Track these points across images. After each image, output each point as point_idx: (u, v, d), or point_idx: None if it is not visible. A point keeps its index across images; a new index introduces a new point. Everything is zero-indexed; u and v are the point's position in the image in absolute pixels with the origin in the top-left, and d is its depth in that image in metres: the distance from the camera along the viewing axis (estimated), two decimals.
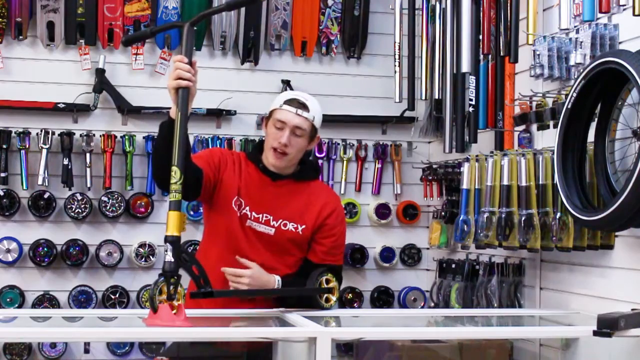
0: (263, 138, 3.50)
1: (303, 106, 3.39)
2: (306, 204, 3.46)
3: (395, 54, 4.24)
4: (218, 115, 4.58)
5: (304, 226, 3.42)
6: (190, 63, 2.96)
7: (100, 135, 4.44)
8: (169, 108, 4.58)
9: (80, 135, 4.42)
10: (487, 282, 3.79)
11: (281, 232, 3.40)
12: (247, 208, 3.42)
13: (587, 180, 3.16)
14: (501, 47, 3.65)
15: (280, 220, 3.41)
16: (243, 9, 4.55)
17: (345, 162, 4.72)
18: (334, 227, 3.47)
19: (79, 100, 4.47)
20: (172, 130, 2.92)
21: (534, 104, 3.54)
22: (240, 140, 4.59)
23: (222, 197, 3.42)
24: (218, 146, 4.55)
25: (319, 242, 3.44)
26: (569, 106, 3.11)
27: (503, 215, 3.44)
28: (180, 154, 2.84)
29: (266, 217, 3.43)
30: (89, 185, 4.41)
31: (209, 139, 4.56)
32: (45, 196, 4.37)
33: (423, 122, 4.38)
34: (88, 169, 4.41)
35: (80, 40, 4.47)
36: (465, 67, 3.75)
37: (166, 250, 2.76)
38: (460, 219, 3.72)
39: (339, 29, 4.74)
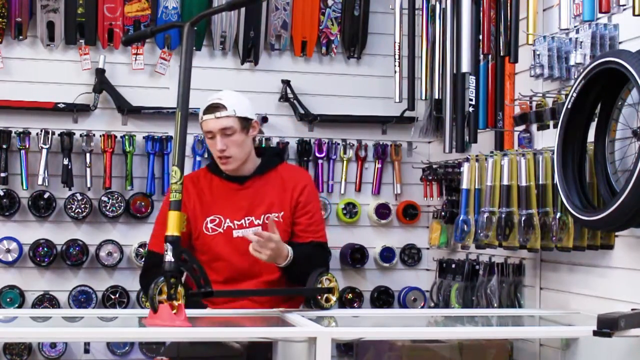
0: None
1: (218, 107, 3.45)
2: (280, 190, 3.55)
3: (395, 54, 4.24)
4: None
5: (282, 212, 3.51)
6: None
7: (100, 135, 4.44)
8: (169, 108, 4.61)
9: (80, 135, 4.42)
10: (487, 282, 3.79)
11: (267, 227, 3.44)
12: (227, 220, 3.50)
13: (587, 180, 3.16)
14: (501, 47, 3.65)
15: (263, 216, 3.49)
16: (243, 9, 4.55)
17: (345, 162, 4.71)
18: (307, 205, 3.55)
19: (79, 100, 4.46)
20: None
21: (534, 104, 3.53)
22: None
23: (195, 227, 3.50)
24: None
25: (296, 222, 3.53)
26: (569, 106, 3.11)
27: (503, 215, 3.44)
28: (180, 154, 2.84)
29: (248, 219, 3.50)
30: (89, 185, 4.40)
31: None
32: (45, 196, 4.37)
33: (423, 122, 4.37)
34: (88, 169, 4.40)
35: (80, 40, 4.47)
36: (465, 67, 3.75)
37: (166, 250, 2.77)
38: (460, 219, 3.72)
39: (339, 29, 4.74)
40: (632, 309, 2.89)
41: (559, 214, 3.28)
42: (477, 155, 3.71)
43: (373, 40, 4.77)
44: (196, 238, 3.53)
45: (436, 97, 4.10)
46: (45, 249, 4.37)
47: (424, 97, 4.21)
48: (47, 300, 4.35)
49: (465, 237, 3.69)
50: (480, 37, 3.74)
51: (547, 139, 3.50)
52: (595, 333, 2.70)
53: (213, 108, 3.46)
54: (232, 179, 3.55)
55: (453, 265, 4.17)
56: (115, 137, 4.45)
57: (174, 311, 2.72)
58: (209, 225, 3.51)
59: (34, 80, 4.45)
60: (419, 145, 4.79)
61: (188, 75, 2.91)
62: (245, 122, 3.49)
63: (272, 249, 3.24)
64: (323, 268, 3.38)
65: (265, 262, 3.32)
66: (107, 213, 4.43)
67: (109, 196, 4.44)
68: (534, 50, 3.46)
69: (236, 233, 3.50)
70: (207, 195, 3.55)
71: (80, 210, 4.40)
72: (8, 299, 4.31)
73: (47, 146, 4.35)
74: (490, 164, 3.56)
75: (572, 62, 3.28)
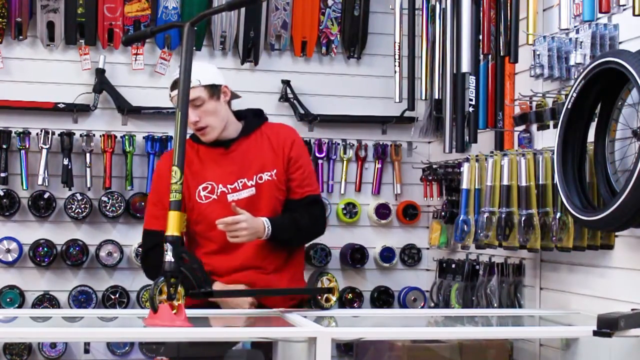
0: None
1: None
2: (268, 149, 3.53)
3: (395, 54, 4.24)
4: None
5: (275, 170, 3.50)
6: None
7: (100, 135, 4.44)
8: (169, 108, 4.61)
9: (80, 135, 4.42)
10: (487, 282, 3.79)
11: (260, 187, 3.47)
12: (220, 186, 3.48)
13: (587, 180, 3.16)
14: (501, 47, 3.65)
15: (255, 176, 3.48)
16: (243, 9, 4.55)
17: (345, 162, 4.71)
18: (298, 159, 3.54)
19: (79, 100, 4.46)
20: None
21: (534, 104, 3.53)
22: None
23: (187, 196, 3.45)
24: None
25: (291, 178, 3.52)
26: (569, 106, 3.11)
27: (503, 215, 3.44)
28: (180, 154, 2.84)
29: (241, 181, 3.49)
30: (89, 185, 4.40)
31: None
32: (45, 196, 4.37)
33: (423, 122, 4.37)
34: (88, 169, 4.41)
35: (80, 40, 4.47)
36: (465, 67, 3.75)
37: (166, 250, 2.77)
38: (460, 219, 3.72)
39: (339, 29, 4.74)
40: (632, 309, 2.88)
41: (559, 214, 3.28)
42: (477, 155, 3.71)
43: (373, 40, 4.78)
44: (191, 209, 3.49)
45: (436, 97, 4.10)
46: (45, 249, 4.37)
47: (424, 97, 4.21)
48: (47, 300, 4.35)
49: (465, 237, 3.69)
50: (480, 37, 3.74)
51: (547, 139, 3.50)
52: (595, 333, 2.70)
53: (176, 82, 3.35)
54: (217, 144, 3.51)
55: (453, 265, 4.17)
56: (115, 137, 4.46)
57: (174, 311, 2.72)
58: (202, 193, 3.48)
59: (33, 80, 4.45)
60: (419, 145, 4.79)
61: (188, 75, 2.91)
62: (214, 89, 3.46)
63: (244, 228, 3.26)
64: (320, 271, 3.37)
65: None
66: (107, 213, 4.43)
67: (109, 196, 4.44)
68: (534, 50, 3.46)
69: (231, 197, 3.45)
70: (195, 164, 3.51)
71: (80, 210, 4.40)
72: (8, 299, 4.31)
73: (47, 146, 4.35)
74: (490, 164, 3.56)
75: (572, 62, 3.28)
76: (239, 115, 3.61)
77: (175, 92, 3.38)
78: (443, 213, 4.32)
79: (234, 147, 3.52)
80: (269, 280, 3.42)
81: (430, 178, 4.51)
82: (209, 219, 3.45)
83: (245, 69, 4.67)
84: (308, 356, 2.63)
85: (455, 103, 3.90)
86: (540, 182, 3.37)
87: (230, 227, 3.26)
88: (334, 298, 3.33)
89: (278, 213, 3.49)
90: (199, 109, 3.42)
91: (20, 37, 4.41)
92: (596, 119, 3.12)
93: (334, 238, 4.64)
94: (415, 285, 4.73)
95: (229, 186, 3.47)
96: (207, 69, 3.52)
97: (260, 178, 3.48)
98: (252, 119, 3.61)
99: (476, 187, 3.67)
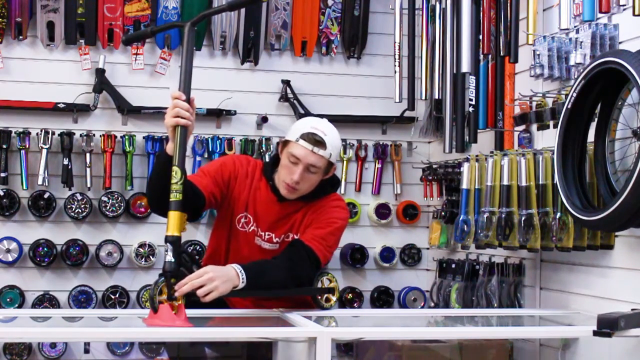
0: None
1: (320, 143, 3.26)
2: (306, 213, 3.44)
3: (395, 54, 4.24)
4: (218, 115, 4.58)
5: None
6: (189, 100, 2.91)
7: (100, 135, 4.44)
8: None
9: (80, 135, 4.42)
10: (487, 282, 3.79)
11: (284, 244, 3.41)
12: (255, 224, 3.43)
13: (587, 180, 3.16)
14: (501, 47, 3.65)
15: (283, 235, 3.42)
16: (243, 9, 4.55)
17: (345, 162, 4.71)
18: (319, 220, 3.39)
19: (79, 100, 4.46)
20: (167, 165, 2.87)
21: (534, 104, 3.54)
22: (240, 140, 4.59)
23: (230, 211, 3.43)
24: (218, 147, 4.54)
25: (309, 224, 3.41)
26: (569, 106, 3.11)
27: (503, 215, 3.44)
28: (181, 154, 2.85)
29: (269, 235, 3.43)
30: (89, 185, 4.40)
31: (209, 139, 4.55)
32: (45, 196, 4.37)
33: (423, 122, 4.37)
34: (88, 169, 4.41)
35: (80, 40, 4.47)
36: (465, 67, 3.75)
37: (166, 250, 2.77)
38: (460, 219, 3.72)
39: (339, 29, 4.74)
40: (632, 309, 2.89)
41: (559, 214, 3.28)
42: (477, 155, 3.71)
43: (373, 40, 4.78)
44: (226, 217, 3.42)
45: (436, 97, 4.10)
46: (45, 249, 4.37)
47: (424, 97, 4.21)
48: (47, 300, 4.35)
49: (465, 237, 3.69)
50: (480, 37, 3.74)
51: (547, 139, 3.50)
52: (595, 333, 2.70)
53: (315, 141, 3.27)
54: (275, 192, 3.40)
55: (453, 265, 4.17)
56: (115, 137, 4.46)
57: (174, 311, 2.73)
58: (242, 220, 3.42)
59: (34, 80, 4.45)
60: (419, 145, 4.79)
61: (188, 76, 2.91)
62: (329, 167, 3.36)
63: (210, 278, 2.93)
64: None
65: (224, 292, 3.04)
66: (107, 213, 4.43)
67: (109, 196, 4.44)
68: (534, 50, 3.46)
69: (257, 240, 3.42)
70: (254, 192, 3.43)
71: (80, 210, 4.40)
72: (8, 299, 4.31)
73: (47, 146, 4.35)
74: (490, 164, 3.56)
75: (572, 62, 3.28)
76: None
77: (305, 144, 3.24)
78: (443, 213, 4.32)
79: (286, 205, 3.40)
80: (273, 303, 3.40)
81: (430, 178, 4.51)
82: (233, 245, 3.43)
83: (245, 69, 4.67)
84: (308, 356, 2.63)
85: (455, 103, 3.90)
86: (540, 182, 3.37)
87: (197, 281, 2.90)
88: (334, 298, 3.33)
89: None
90: (308, 173, 3.28)
91: (20, 37, 4.41)
92: (596, 119, 3.12)
93: None
94: (415, 285, 4.73)
95: (260, 229, 3.41)
96: (339, 146, 3.39)
97: (288, 237, 3.40)
98: (323, 187, 3.42)
99: (476, 187, 3.67)
